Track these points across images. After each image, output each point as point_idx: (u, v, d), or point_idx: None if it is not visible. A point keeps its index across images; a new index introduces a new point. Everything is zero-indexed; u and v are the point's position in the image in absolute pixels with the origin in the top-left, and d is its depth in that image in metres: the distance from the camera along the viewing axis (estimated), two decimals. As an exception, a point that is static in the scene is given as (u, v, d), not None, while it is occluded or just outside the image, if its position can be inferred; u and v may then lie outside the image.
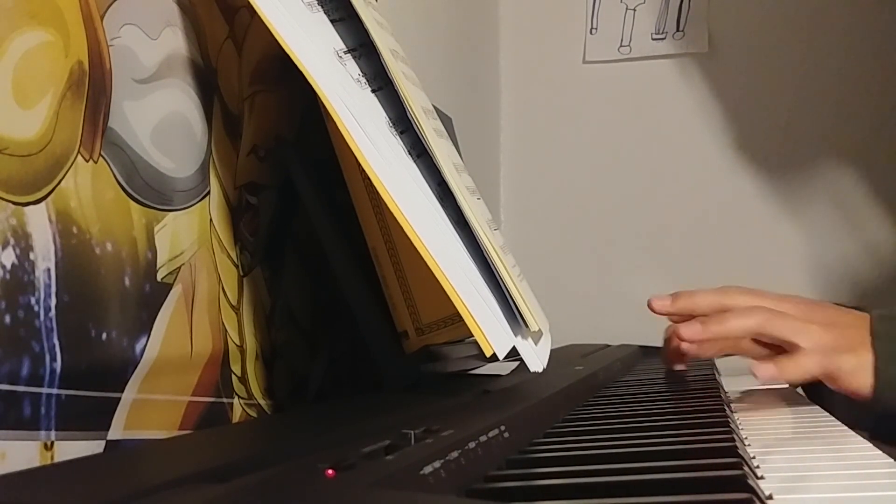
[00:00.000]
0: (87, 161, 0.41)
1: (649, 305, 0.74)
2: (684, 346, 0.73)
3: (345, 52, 0.52)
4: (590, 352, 1.08)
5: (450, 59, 1.27)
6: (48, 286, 0.38)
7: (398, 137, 0.52)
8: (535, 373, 0.55)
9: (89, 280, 0.40)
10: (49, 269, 0.38)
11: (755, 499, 0.32)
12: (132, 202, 0.44)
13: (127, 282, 0.43)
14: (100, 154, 0.42)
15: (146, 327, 0.44)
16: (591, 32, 1.47)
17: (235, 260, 0.53)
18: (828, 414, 0.64)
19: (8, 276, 0.36)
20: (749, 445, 0.48)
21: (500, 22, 1.51)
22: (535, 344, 0.56)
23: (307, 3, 0.52)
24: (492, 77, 1.49)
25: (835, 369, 0.69)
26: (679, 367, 0.83)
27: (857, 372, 0.69)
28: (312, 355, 0.62)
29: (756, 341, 0.73)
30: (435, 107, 0.63)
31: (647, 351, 1.23)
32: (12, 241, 0.36)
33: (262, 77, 0.58)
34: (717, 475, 0.35)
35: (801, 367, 0.69)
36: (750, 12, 1.40)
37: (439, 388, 0.63)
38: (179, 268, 0.47)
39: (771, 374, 0.69)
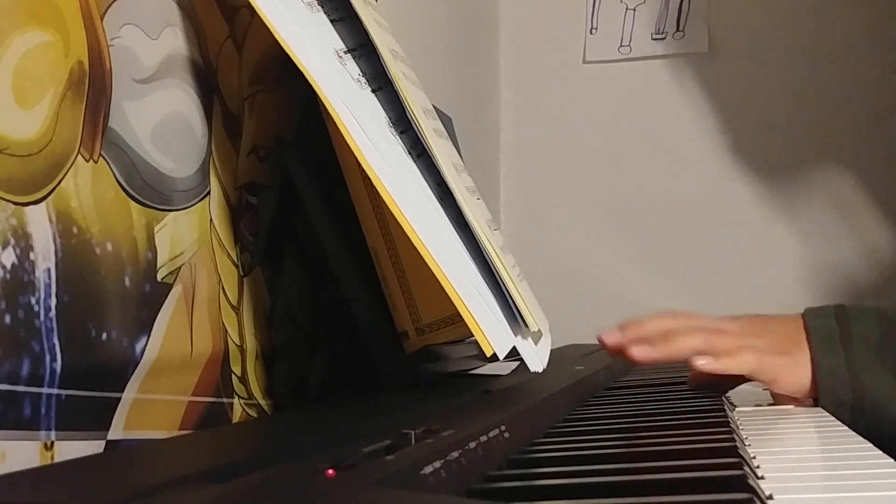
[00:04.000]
0: (88, 161, 0.41)
1: (601, 342, 0.74)
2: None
3: (345, 52, 0.52)
4: (590, 352, 1.08)
5: (450, 59, 1.27)
6: (48, 286, 0.38)
7: (398, 137, 0.52)
8: (535, 373, 0.55)
9: (89, 280, 0.40)
10: (49, 269, 0.38)
11: (756, 499, 0.32)
12: (132, 202, 0.44)
13: (127, 282, 0.43)
14: (100, 154, 0.42)
15: (146, 327, 0.44)
16: (591, 32, 1.47)
17: (235, 260, 0.53)
18: (828, 414, 0.64)
19: (8, 276, 0.36)
20: (749, 445, 0.48)
21: (500, 22, 1.51)
22: (535, 344, 0.56)
23: (307, 3, 0.52)
24: (492, 77, 1.49)
25: (769, 369, 0.70)
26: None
27: (794, 370, 0.70)
28: (312, 355, 0.62)
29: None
30: (435, 107, 0.63)
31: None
32: (12, 241, 0.36)
33: (262, 77, 0.58)
34: (717, 475, 0.35)
35: (737, 360, 0.69)
36: (750, 12, 1.40)
37: (439, 388, 0.63)
38: (179, 268, 0.47)
39: (708, 362, 0.69)
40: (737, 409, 0.71)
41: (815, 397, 0.71)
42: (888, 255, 1.32)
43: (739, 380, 0.75)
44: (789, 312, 0.76)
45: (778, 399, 0.75)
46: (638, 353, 0.71)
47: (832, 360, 0.70)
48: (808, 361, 0.70)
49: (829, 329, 0.71)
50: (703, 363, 0.69)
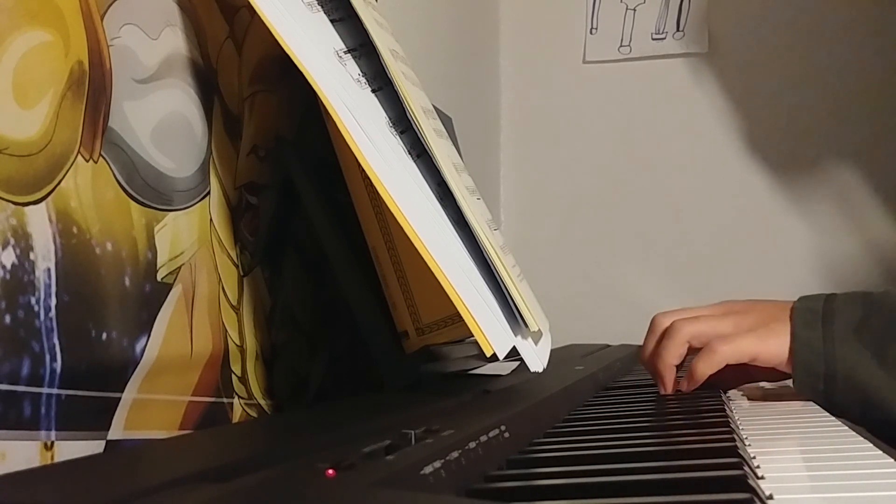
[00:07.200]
0: (88, 161, 0.41)
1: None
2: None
3: (345, 52, 0.52)
4: (590, 352, 1.08)
5: (450, 59, 1.27)
6: (48, 286, 0.38)
7: (398, 137, 0.52)
8: (535, 373, 0.55)
9: (89, 280, 0.40)
10: (49, 269, 0.38)
11: (756, 499, 0.32)
12: (132, 202, 0.44)
13: (127, 282, 0.43)
14: (100, 154, 0.42)
15: (146, 327, 0.44)
16: (591, 32, 1.48)
17: (235, 260, 0.53)
18: (828, 414, 0.64)
19: (8, 276, 0.36)
20: (749, 445, 0.48)
21: (500, 22, 1.51)
22: (535, 344, 0.56)
23: (307, 3, 0.52)
24: (492, 77, 1.49)
25: (749, 346, 0.70)
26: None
27: (773, 340, 0.70)
28: (312, 355, 0.62)
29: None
30: (435, 107, 0.63)
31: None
32: (12, 241, 0.36)
33: (262, 77, 0.58)
34: (717, 475, 0.35)
35: (713, 358, 0.70)
36: (750, 12, 1.40)
37: (439, 388, 0.63)
38: (179, 268, 0.47)
39: (691, 381, 0.70)
40: (734, 402, 0.71)
41: (789, 367, 0.71)
42: (894, 249, 1.32)
43: (740, 378, 0.76)
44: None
45: (756, 376, 0.76)
46: (664, 391, 0.72)
47: (810, 333, 0.70)
48: (787, 334, 0.70)
49: (813, 308, 0.72)
50: (685, 386, 0.71)
